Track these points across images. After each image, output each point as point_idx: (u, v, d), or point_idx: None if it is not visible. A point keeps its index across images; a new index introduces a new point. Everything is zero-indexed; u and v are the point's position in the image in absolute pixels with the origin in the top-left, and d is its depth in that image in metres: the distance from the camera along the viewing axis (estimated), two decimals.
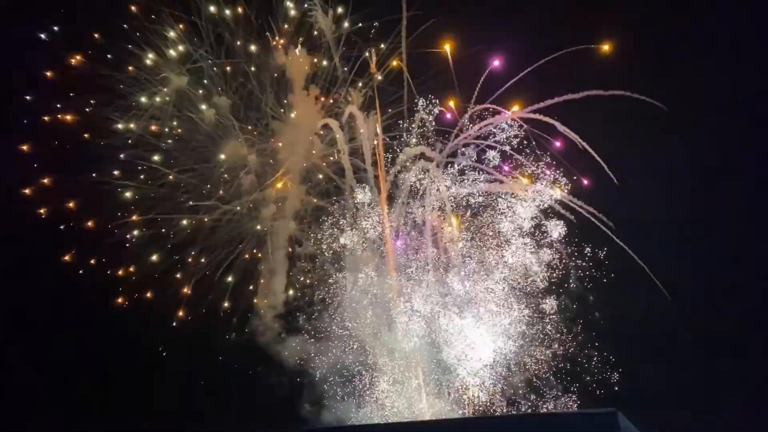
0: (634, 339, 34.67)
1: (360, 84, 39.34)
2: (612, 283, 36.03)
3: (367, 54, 38.41)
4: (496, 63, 37.87)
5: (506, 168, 37.92)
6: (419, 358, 37.38)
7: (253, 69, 38.61)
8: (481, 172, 38.06)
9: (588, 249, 36.65)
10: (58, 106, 36.39)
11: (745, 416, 31.46)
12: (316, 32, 38.52)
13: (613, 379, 34.39)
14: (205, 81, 38.53)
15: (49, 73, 36.42)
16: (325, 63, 39.21)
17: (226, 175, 39.20)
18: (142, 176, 37.91)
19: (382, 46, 38.38)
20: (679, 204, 37.00)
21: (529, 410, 35.27)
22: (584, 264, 36.71)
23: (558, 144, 36.88)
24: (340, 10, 38.23)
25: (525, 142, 37.50)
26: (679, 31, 37.13)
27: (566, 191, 36.97)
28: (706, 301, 34.84)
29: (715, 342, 33.93)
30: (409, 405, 36.92)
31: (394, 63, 38.55)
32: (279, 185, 39.67)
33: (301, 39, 38.65)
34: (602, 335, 35.54)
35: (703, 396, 32.88)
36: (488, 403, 36.00)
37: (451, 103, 38.61)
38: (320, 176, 40.42)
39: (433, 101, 37.99)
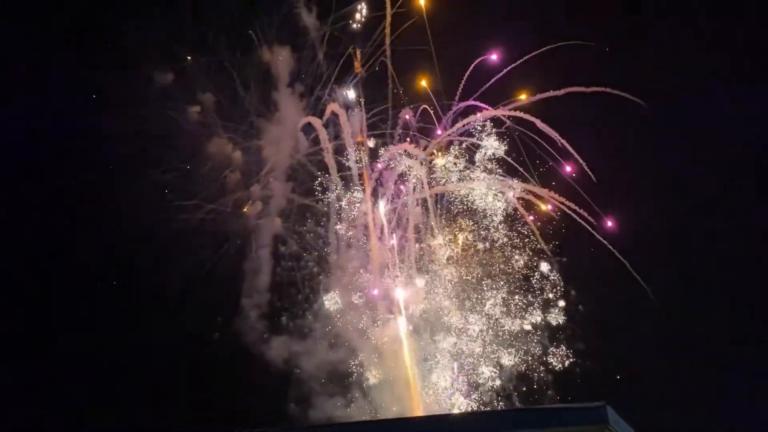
0: (623, 334, 35.11)
1: (344, 81, 39.26)
2: (598, 279, 36.58)
3: (351, 50, 38.41)
4: (494, 57, 38.20)
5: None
6: (408, 355, 37.48)
7: (237, 66, 38.41)
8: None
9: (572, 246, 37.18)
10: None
11: (730, 409, 31.98)
12: (300, 29, 38.43)
13: (602, 373, 34.92)
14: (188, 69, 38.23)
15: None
16: (309, 60, 39.14)
17: (213, 174, 38.95)
18: (124, 176, 37.47)
19: (394, 29, 38.30)
20: (660, 201, 37.45)
21: (518, 404, 35.66)
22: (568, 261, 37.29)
23: (569, 169, 37.02)
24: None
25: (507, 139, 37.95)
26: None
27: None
28: (691, 297, 35.26)
29: (701, 336, 34.37)
30: (398, 402, 37.04)
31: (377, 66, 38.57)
32: (246, 209, 39.52)
33: (285, 36, 38.54)
34: (591, 330, 36.07)
35: (690, 391, 33.35)
36: (477, 398, 36.38)
37: (424, 82, 38.74)
38: (305, 173, 40.30)
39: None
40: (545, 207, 37.71)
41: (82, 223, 37.43)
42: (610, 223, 36.26)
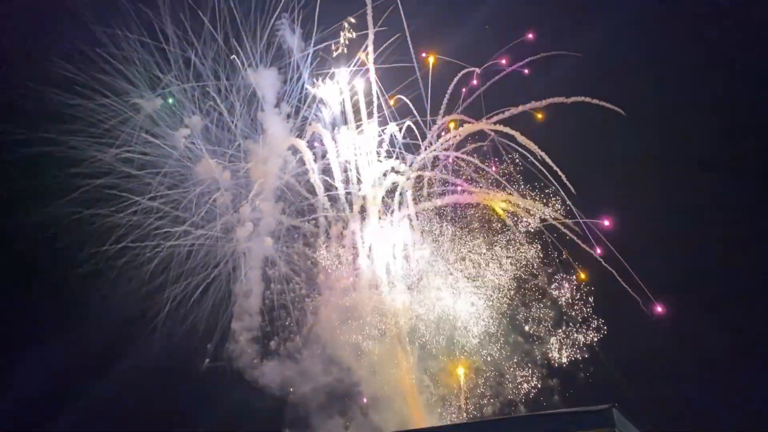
0: (624, 337, 35.29)
1: (330, 100, 39.38)
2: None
3: (335, 70, 38.69)
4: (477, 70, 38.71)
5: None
6: (406, 370, 37.47)
7: (222, 90, 38.48)
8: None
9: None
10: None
11: (734, 411, 32.11)
12: (284, 51, 38.61)
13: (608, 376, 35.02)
14: (175, 106, 38.12)
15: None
16: (294, 81, 39.30)
17: (203, 199, 38.74)
18: (114, 204, 37.15)
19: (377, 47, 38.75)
20: (646, 210, 37.71)
21: (525, 410, 35.65)
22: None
23: (599, 251, 36.47)
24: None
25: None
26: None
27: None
28: (687, 300, 35.29)
29: (702, 340, 34.50)
30: (397, 418, 36.88)
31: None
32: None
33: (270, 58, 38.70)
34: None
35: (695, 391, 33.46)
36: (484, 405, 36.35)
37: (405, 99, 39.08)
38: (291, 195, 40.27)
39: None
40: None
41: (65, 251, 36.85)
42: (660, 309, 35.43)
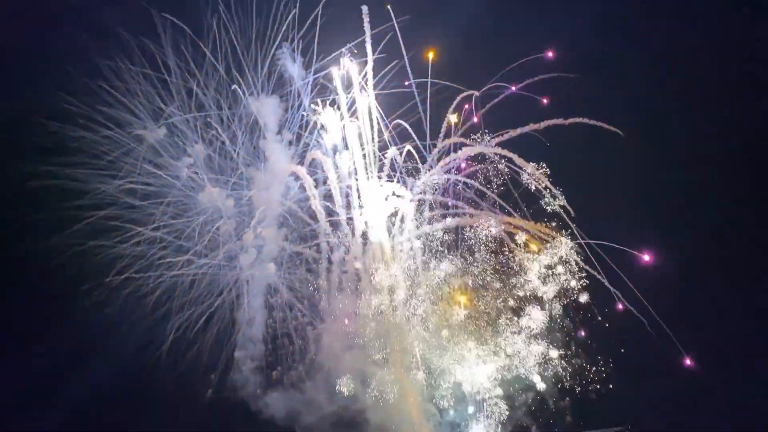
0: (634, 355, 35.20)
1: (330, 126, 39.65)
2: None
3: (336, 97, 39.04)
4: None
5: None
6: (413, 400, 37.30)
7: (224, 120, 38.80)
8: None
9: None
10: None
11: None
12: (285, 79, 38.98)
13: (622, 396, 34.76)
14: (177, 136, 38.46)
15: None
16: (296, 108, 39.62)
17: (206, 228, 38.83)
18: (117, 235, 37.28)
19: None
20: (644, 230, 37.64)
21: None
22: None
23: (620, 307, 36.00)
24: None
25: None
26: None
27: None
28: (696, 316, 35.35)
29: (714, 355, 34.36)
30: None
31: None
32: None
33: (271, 86, 39.07)
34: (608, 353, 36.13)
35: (709, 409, 33.23)
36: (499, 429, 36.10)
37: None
38: (293, 221, 40.32)
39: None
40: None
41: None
42: (687, 361, 34.36)
